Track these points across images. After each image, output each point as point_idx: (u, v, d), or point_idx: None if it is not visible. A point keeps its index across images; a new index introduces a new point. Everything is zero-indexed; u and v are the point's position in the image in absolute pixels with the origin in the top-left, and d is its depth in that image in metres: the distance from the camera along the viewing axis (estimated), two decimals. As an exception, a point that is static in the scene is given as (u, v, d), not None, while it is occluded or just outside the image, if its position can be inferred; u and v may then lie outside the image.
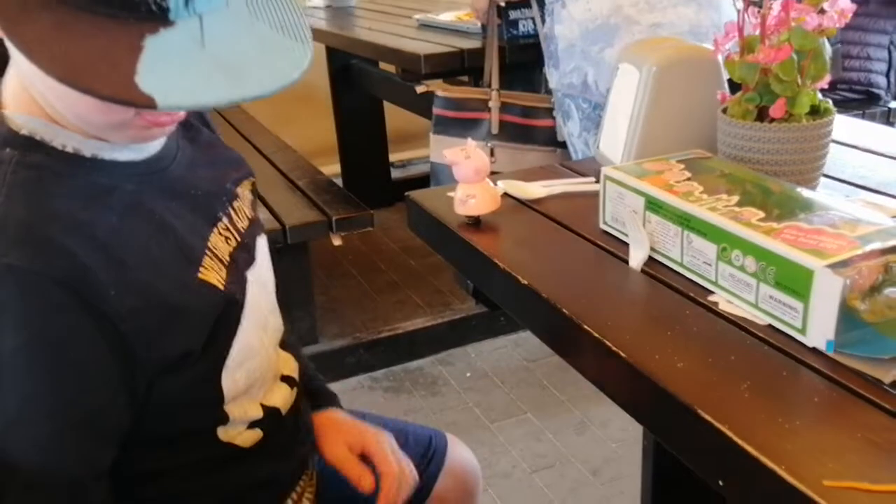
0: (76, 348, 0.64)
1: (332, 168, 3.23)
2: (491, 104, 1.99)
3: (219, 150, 0.88)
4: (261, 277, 0.83)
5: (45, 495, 0.66)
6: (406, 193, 1.05)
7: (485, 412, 2.11)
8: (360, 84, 3.16)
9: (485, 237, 0.92)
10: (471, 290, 2.46)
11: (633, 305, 0.77)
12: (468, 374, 2.28)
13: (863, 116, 2.68)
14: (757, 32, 0.87)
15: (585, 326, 0.71)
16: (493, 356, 2.37)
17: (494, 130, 1.97)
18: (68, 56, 0.54)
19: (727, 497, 0.58)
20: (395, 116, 3.20)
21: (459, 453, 1.08)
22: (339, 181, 3.20)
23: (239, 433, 0.80)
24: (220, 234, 0.78)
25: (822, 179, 0.93)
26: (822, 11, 0.84)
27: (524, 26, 2.09)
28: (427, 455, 1.04)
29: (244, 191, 0.87)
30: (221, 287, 0.73)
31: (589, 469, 1.88)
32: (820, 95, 0.89)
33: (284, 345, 0.92)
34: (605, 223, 0.89)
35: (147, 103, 0.54)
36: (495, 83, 2.00)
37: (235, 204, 0.83)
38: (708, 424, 0.57)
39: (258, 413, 0.82)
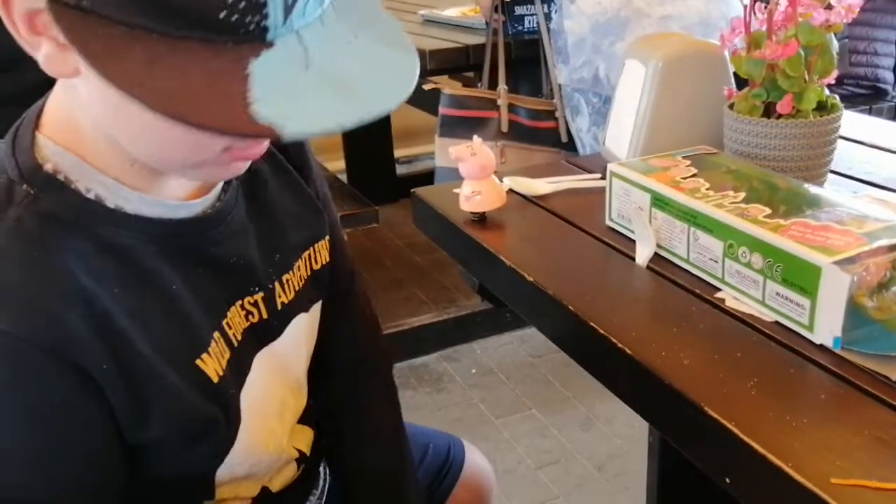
0: (63, 416, 0.58)
1: (336, 164, 3.23)
2: (500, 102, 1.98)
3: (289, 210, 0.76)
4: (282, 356, 0.75)
5: None
6: (411, 190, 1.05)
7: (490, 408, 2.11)
8: (365, 80, 3.15)
9: (490, 234, 0.91)
10: (476, 287, 2.46)
11: (638, 302, 0.77)
12: (473, 371, 2.28)
13: (870, 112, 2.67)
14: (764, 28, 0.87)
15: (591, 323, 0.71)
16: (498, 352, 2.37)
17: (504, 129, 1.96)
18: (172, 90, 0.48)
19: (734, 495, 0.58)
20: (400, 112, 3.14)
21: (476, 461, 1.07)
22: (343, 177, 3.20)
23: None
24: (242, 308, 0.70)
25: (830, 175, 0.93)
26: (829, 7, 0.84)
27: (530, 22, 2.08)
28: (446, 465, 1.03)
29: (309, 255, 0.78)
30: (216, 379, 0.65)
31: (594, 465, 1.88)
32: (827, 91, 0.88)
33: (306, 416, 0.83)
34: (611, 219, 0.89)
35: (268, 133, 0.48)
36: (503, 82, 2.00)
37: (285, 277, 0.74)
38: (714, 421, 0.57)
39: (254, 492, 0.76)
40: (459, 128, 2.00)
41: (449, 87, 2.08)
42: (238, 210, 0.70)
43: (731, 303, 0.73)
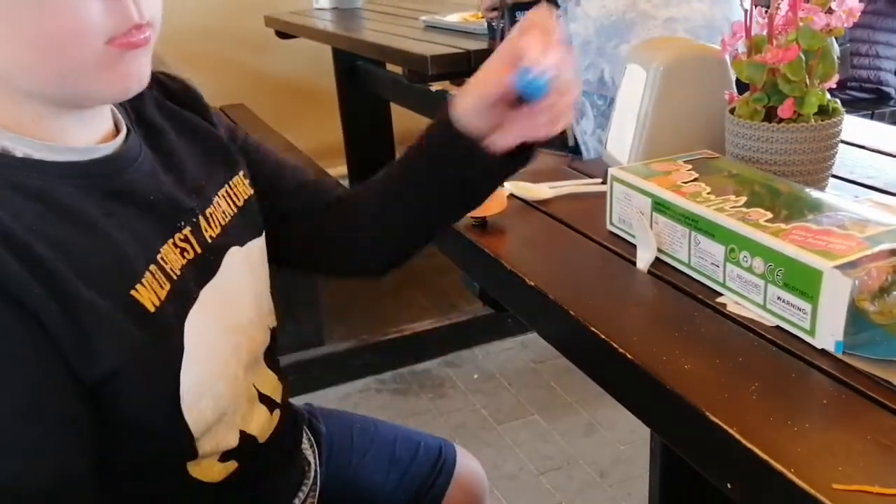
0: (7, 344, 0.58)
1: (338, 169, 3.23)
2: None
3: (197, 151, 0.80)
4: (226, 292, 0.75)
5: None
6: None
7: (492, 414, 2.11)
8: (367, 85, 3.16)
9: (491, 238, 0.91)
10: (477, 292, 2.46)
11: (640, 307, 0.77)
12: (475, 376, 2.28)
13: (872, 116, 2.67)
14: (764, 32, 0.87)
15: (592, 328, 0.71)
16: (500, 358, 2.36)
17: None
18: None
19: (735, 500, 0.57)
20: (402, 118, 3.20)
21: (468, 464, 1.07)
22: (345, 182, 3.20)
23: (211, 465, 0.74)
24: (175, 244, 0.71)
25: (831, 180, 0.93)
26: (829, 11, 0.83)
27: None
28: (437, 466, 1.03)
29: (228, 191, 0.80)
30: (151, 309, 0.65)
31: (596, 471, 1.88)
32: (828, 95, 0.88)
33: (269, 360, 0.83)
34: (611, 224, 0.89)
35: None
36: None
37: (208, 211, 0.76)
38: (716, 426, 0.57)
39: (234, 441, 0.75)
40: None
41: (456, 89, 2.08)
42: (145, 154, 0.72)
43: (732, 307, 0.72)
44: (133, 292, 0.65)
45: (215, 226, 0.77)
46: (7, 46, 0.59)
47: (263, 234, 0.84)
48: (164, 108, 0.80)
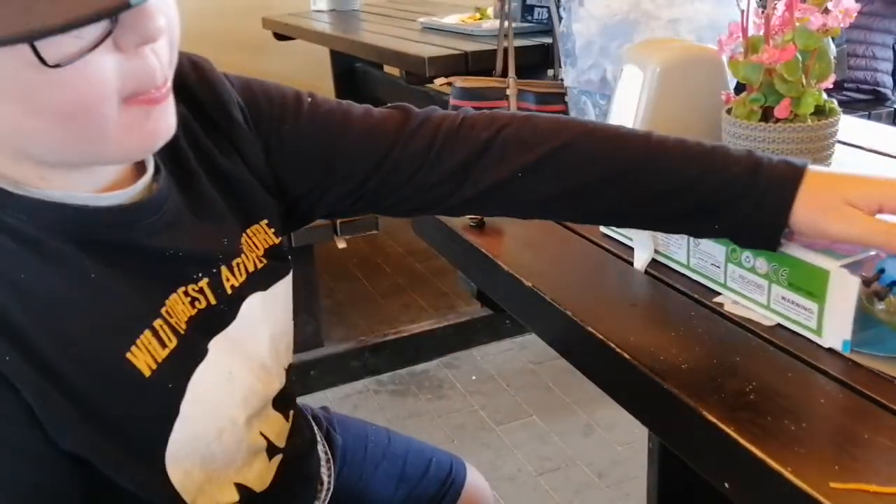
0: None
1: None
2: (508, 92, 1.99)
3: (227, 195, 0.71)
4: (240, 340, 0.70)
5: None
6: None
7: (490, 415, 2.11)
8: (365, 87, 3.16)
9: (489, 239, 0.91)
10: (475, 293, 2.46)
11: (637, 307, 0.77)
12: (473, 377, 2.28)
13: (868, 117, 2.68)
14: (761, 33, 0.87)
15: (590, 328, 0.71)
16: (498, 359, 2.36)
17: None
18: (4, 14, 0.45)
19: (733, 500, 0.58)
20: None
21: (475, 482, 1.07)
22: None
23: None
24: (185, 294, 0.65)
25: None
26: (826, 11, 0.83)
27: (539, 14, 2.08)
28: (447, 483, 1.03)
29: (254, 236, 0.73)
30: (147, 373, 0.60)
31: (595, 472, 1.88)
32: (825, 95, 0.88)
33: (279, 402, 0.77)
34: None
35: (120, 4, 0.45)
36: (511, 71, 2.00)
37: (234, 261, 0.70)
38: (713, 426, 0.57)
39: (234, 497, 0.71)
40: None
41: (460, 80, 2.09)
42: (172, 199, 0.65)
43: (729, 307, 0.72)
44: (128, 355, 0.59)
45: (240, 274, 0.71)
46: (17, 121, 0.52)
47: (291, 271, 0.78)
48: (195, 141, 0.70)
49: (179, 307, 0.64)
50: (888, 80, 2.78)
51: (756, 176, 0.65)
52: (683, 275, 0.79)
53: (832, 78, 0.86)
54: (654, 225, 0.75)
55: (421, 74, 2.12)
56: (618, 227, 0.85)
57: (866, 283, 0.62)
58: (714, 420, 0.57)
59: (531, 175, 0.70)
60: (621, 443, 1.96)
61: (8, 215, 0.56)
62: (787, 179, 0.64)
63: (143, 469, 0.62)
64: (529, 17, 2.09)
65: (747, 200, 0.65)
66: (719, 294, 0.74)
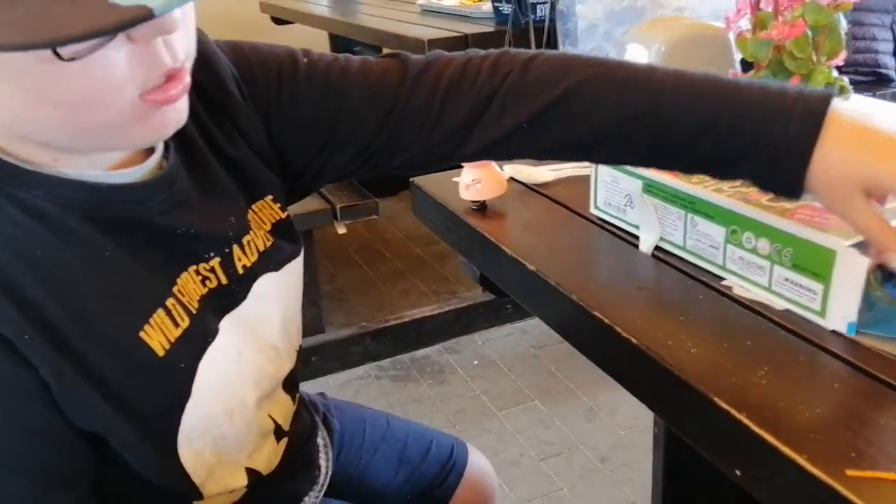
0: None
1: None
2: None
3: (235, 171, 0.71)
4: (251, 320, 0.69)
5: None
6: (410, 179, 1.03)
7: (492, 400, 2.10)
8: (364, 71, 3.13)
9: (491, 222, 0.90)
10: (478, 277, 2.45)
11: (643, 290, 0.75)
12: (475, 362, 2.27)
13: (873, 97, 2.65)
14: (770, 8, 0.85)
15: (595, 312, 0.69)
16: (500, 344, 2.35)
17: None
18: (18, 21, 0.44)
19: (745, 487, 0.56)
20: (400, 103, 3.18)
21: (479, 464, 1.06)
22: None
23: (217, 499, 0.70)
24: (196, 273, 0.65)
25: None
26: (836, -14, 0.81)
27: (541, 11, 2.07)
28: (448, 465, 1.02)
29: (261, 214, 0.72)
30: (161, 353, 0.60)
31: (597, 456, 1.87)
32: (835, 73, 0.86)
33: (287, 384, 0.77)
34: (596, 207, 0.87)
35: (140, 14, 0.44)
36: None
37: (245, 239, 0.69)
38: (724, 412, 0.56)
39: (242, 481, 0.71)
40: None
41: None
42: (181, 177, 0.65)
43: (738, 290, 0.71)
44: (142, 334, 0.59)
45: (252, 253, 0.70)
46: (29, 110, 0.52)
47: (303, 252, 0.77)
48: (199, 121, 0.69)
49: (191, 286, 0.64)
50: (889, 61, 2.75)
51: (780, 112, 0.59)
52: (683, 258, 0.77)
53: (843, 55, 0.84)
54: (669, 164, 0.69)
55: (420, 57, 2.10)
56: (633, 166, 0.79)
57: (881, 267, 0.60)
58: (726, 406, 0.55)
59: (534, 127, 0.67)
60: (624, 427, 1.95)
61: (23, 191, 0.55)
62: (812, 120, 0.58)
63: (155, 450, 0.62)
64: (531, 16, 2.07)
65: (766, 147, 0.59)
66: (724, 278, 0.73)
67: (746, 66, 0.90)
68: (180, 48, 0.54)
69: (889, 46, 2.74)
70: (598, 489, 1.77)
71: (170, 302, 0.62)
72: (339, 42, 3.12)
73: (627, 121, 0.64)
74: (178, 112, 0.57)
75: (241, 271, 0.69)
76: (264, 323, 0.72)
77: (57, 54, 0.48)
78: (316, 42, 3.17)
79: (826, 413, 0.55)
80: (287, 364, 0.76)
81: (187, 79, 0.56)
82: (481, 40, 2.08)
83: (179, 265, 0.64)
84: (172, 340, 0.61)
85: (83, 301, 0.57)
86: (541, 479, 1.81)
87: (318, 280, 2.27)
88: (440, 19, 2.34)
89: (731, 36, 0.93)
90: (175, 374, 0.62)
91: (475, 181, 0.90)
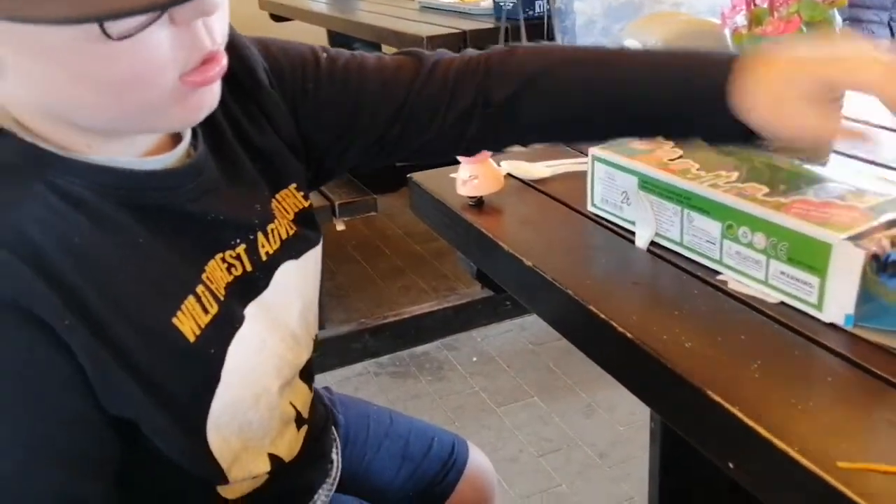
0: (32, 373, 0.54)
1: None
2: None
3: (260, 157, 0.72)
4: (274, 307, 0.71)
5: None
6: (408, 175, 1.04)
7: (491, 396, 2.10)
8: (363, 68, 3.14)
9: (488, 218, 0.90)
10: (475, 274, 2.45)
11: (639, 286, 0.76)
12: (474, 359, 2.28)
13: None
14: (765, 4, 0.85)
15: (591, 307, 0.70)
16: (498, 340, 2.36)
17: None
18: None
19: (738, 480, 0.57)
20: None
21: (478, 461, 1.07)
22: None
23: (239, 486, 0.71)
24: (222, 261, 0.66)
25: (833, 156, 0.91)
26: (832, -18, 0.82)
27: (541, 7, 2.07)
28: (449, 462, 1.03)
29: (284, 203, 0.74)
30: (192, 338, 0.61)
31: (596, 452, 1.87)
32: (830, 69, 0.86)
33: (304, 373, 0.79)
34: (594, 205, 0.87)
35: None
36: None
37: (269, 227, 0.71)
38: (717, 406, 0.56)
39: (266, 467, 0.72)
40: None
41: None
42: (209, 165, 0.66)
43: (733, 285, 0.71)
44: (174, 320, 0.60)
45: (274, 241, 0.72)
46: (69, 90, 0.53)
47: (321, 241, 0.80)
48: (226, 108, 0.70)
49: (218, 273, 0.66)
50: (888, 58, 2.75)
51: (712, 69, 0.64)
52: (679, 253, 0.77)
53: (838, 50, 0.84)
54: (636, 135, 0.78)
55: (419, 54, 2.10)
56: (603, 141, 0.85)
57: (876, 258, 0.61)
58: (719, 399, 0.56)
59: (513, 107, 0.73)
60: (622, 423, 1.96)
61: (60, 178, 0.56)
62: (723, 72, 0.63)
63: (185, 436, 0.63)
64: (530, 11, 2.07)
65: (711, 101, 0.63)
66: (721, 273, 0.73)
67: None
68: (218, 31, 0.56)
69: (887, 43, 2.74)
70: (597, 485, 1.78)
71: (199, 289, 0.63)
72: (338, 39, 3.12)
73: (596, 97, 0.70)
74: (213, 94, 0.59)
75: (264, 259, 0.70)
76: (285, 311, 0.74)
77: (105, 33, 0.49)
78: (315, 39, 3.16)
79: (818, 406, 0.55)
80: (305, 353, 0.78)
81: (224, 61, 0.58)
82: (480, 37, 2.08)
83: (207, 252, 0.65)
84: (202, 327, 0.62)
85: (119, 288, 0.57)
86: (539, 476, 1.82)
87: (318, 277, 2.27)
88: (439, 16, 2.34)
89: (727, 32, 0.93)
90: (205, 360, 0.63)
91: (472, 177, 0.90)
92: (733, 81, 0.61)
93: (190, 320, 0.62)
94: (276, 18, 3.05)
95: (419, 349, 2.33)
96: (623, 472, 1.80)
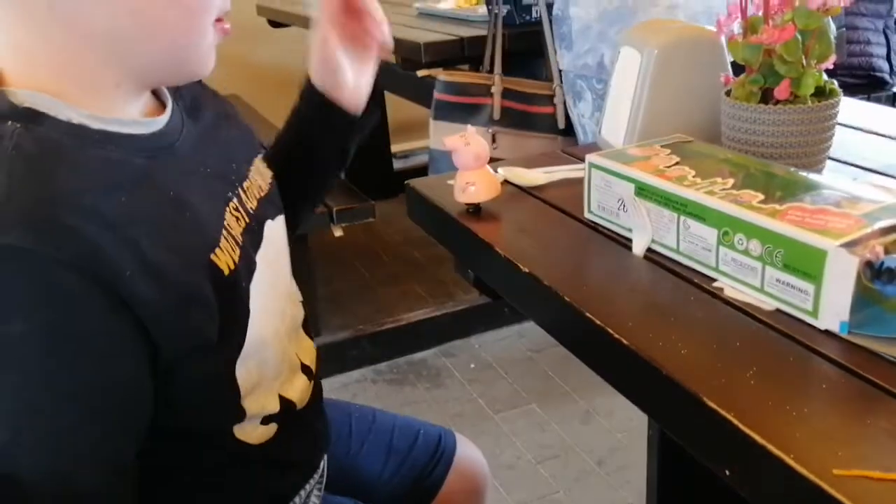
0: (89, 333, 0.58)
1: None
2: (493, 89, 1.97)
3: (226, 129, 0.83)
4: (271, 261, 0.79)
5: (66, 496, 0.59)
6: (406, 181, 1.04)
7: (489, 403, 2.10)
8: (361, 74, 3.14)
9: (485, 225, 0.90)
10: (473, 280, 2.45)
11: (635, 292, 0.76)
12: (472, 366, 2.27)
13: (868, 100, 2.66)
14: (760, 13, 0.85)
15: (587, 314, 0.70)
16: (496, 347, 2.36)
17: (496, 116, 1.95)
18: None
19: (734, 487, 0.57)
20: (397, 106, 3.18)
21: (468, 453, 1.06)
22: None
23: (254, 428, 0.77)
24: (231, 213, 0.74)
25: (828, 162, 0.92)
26: (826, -10, 0.82)
27: (537, 12, 2.07)
28: (436, 454, 1.03)
29: (256, 169, 0.84)
30: (227, 272, 0.68)
31: (594, 459, 1.87)
32: (825, 76, 0.87)
33: (305, 331, 0.89)
34: (590, 212, 0.88)
35: None
36: (498, 68, 1.98)
37: (245, 184, 0.80)
38: (713, 412, 0.56)
39: (275, 406, 0.79)
40: (454, 112, 1.99)
41: (444, 74, 2.07)
42: (188, 128, 0.75)
43: (729, 292, 0.71)
44: (213, 256, 0.67)
45: (252, 199, 0.80)
46: (132, 18, 0.64)
47: (283, 213, 0.87)
48: (192, 86, 0.82)
49: (233, 223, 0.74)
50: (884, 65, 2.76)
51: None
52: (676, 260, 0.77)
53: (833, 58, 0.85)
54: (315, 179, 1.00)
55: (416, 60, 2.10)
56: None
57: (870, 265, 0.61)
58: (714, 406, 0.56)
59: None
60: (620, 430, 1.96)
61: (96, 149, 0.63)
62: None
63: (221, 361, 0.70)
64: (527, 17, 2.06)
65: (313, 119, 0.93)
66: (716, 280, 0.73)
67: (738, 68, 0.91)
68: None
69: (882, 50, 2.75)
70: (595, 492, 1.78)
71: (224, 233, 0.71)
72: (336, 46, 3.13)
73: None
74: (214, 54, 0.71)
75: (252, 211, 0.78)
76: (279, 265, 0.83)
77: None
78: (313, 45, 3.18)
79: (814, 412, 0.55)
80: (300, 310, 0.88)
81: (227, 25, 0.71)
82: (477, 44, 2.08)
83: (221, 203, 0.74)
84: (235, 262, 0.70)
85: (168, 236, 0.64)
86: (537, 482, 1.82)
87: (315, 283, 2.27)
88: (436, 22, 2.35)
89: (723, 39, 0.94)
90: (240, 292, 0.71)
91: (469, 184, 0.90)
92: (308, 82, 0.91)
93: (226, 256, 0.69)
94: (275, 24, 3.06)
95: (417, 356, 2.33)
96: (621, 479, 1.80)
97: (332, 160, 0.99)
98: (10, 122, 0.60)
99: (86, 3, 0.62)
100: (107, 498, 0.62)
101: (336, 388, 2.19)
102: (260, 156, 0.87)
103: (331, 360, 2.26)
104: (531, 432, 1.98)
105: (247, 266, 0.73)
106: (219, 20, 0.69)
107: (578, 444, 1.92)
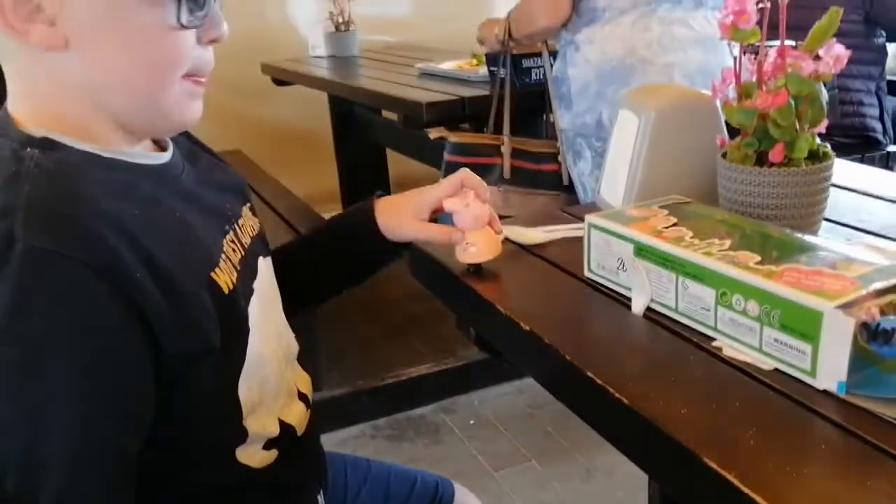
0: (105, 332, 0.62)
1: (334, 212, 3.24)
2: (503, 149, 2.01)
3: (220, 174, 0.88)
4: (265, 292, 0.83)
5: (82, 483, 0.62)
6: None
7: (489, 460, 2.08)
8: (363, 131, 3.19)
9: (486, 283, 0.91)
10: (473, 337, 2.45)
11: (635, 352, 0.76)
12: (472, 422, 2.26)
13: (861, 160, 2.70)
14: (754, 78, 0.88)
15: (588, 372, 0.70)
16: (496, 403, 2.34)
17: (507, 175, 1.99)
18: None
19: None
20: (398, 163, 3.22)
21: (465, 499, 1.06)
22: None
23: (256, 452, 0.79)
24: (229, 244, 0.78)
25: (823, 223, 0.93)
26: (817, 57, 0.85)
27: (536, 75, 2.12)
28: (435, 499, 1.02)
29: (247, 213, 0.88)
30: (227, 290, 0.73)
31: (595, 518, 1.85)
32: (818, 140, 0.89)
33: (300, 362, 0.92)
34: (590, 271, 0.89)
35: None
36: (507, 129, 2.03)
37: (240, 221, 0.84)
38: (713, 472, 0.56)
39: (275, 429, 0.81)
40: None
41: (454, 136, 2.11)
42: (187, 168, 0.80)
43: (728, 351, 0.72)
44: (213, 274, 0.71)
45: (246, 235, 0.84)
46: (103, 74, 0.68)
47: (271, 255, 0.90)
48: (190, 138, 0.88)
49: (231, 252, 0.78)
50: (877, 125, 2.81)
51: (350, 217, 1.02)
52: (676, 320, 0.78)
53: (825, 123, 0.87)
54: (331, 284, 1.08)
55: (418, 119, 2.14)
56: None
57: (867, 326, 0.62)
58: (715, 467, 0.56)
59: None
60: (621, 487, 1.94)
61: (108, 172, 0.69)
62: (368, 209, 0.98)
63: (223, 377, 0.73)
64: (527, 79, 2.12)
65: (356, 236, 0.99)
66: (716, 339, 0.74)
67: (733, 132, 0.93)
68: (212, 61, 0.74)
69: (875, 111, 2.80)
70: (596, 552, 1.75)
71: (223, 256, 0.75)
72: (339, 103, 3.18)
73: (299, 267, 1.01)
74: (200, 106, 0.75)
75: (246, 245, 0.83)
76: (272, 297, 0.87)
77: (180, 22, 0.67)
78: (316, 103, 3.24)
79: (815, 474, 0.55)
80: (294, 342, 0.90)
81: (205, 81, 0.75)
82: (478, 103, 2.12)
83: (220, 233, 0.78)
84: (234, 282, 0.74)
85: (172, 247, 0.68)
86: (537, 542, 1.79)
87: (316, 338, 2.27)
88: (438, 82, 2.39)
89: (718, 103, 0.96)
90: (240, 311, 0.75)
91: (470, 244, 0.91)
92: (372, 214, 0.96)
93: (225, 275, 0.73)
94: (279, 83, 3.12)
95: (416, 412, 2.32)
96: (622, 539, 1.78)
97: (360, 278, 1.07)
98: (28, 149, 0.66)
99: (63, 59, 0.66)
100: (108, 498, 0.64)
101: (335, 443, 2.17)
102: (249, 204, 0.90)
103: (330, 416, 2.24)
104: (531, 490, 1.96)
105: (244, 289, 0.77)
106: (190, 76, 0.71)
107: (579, 501, 1.90)
